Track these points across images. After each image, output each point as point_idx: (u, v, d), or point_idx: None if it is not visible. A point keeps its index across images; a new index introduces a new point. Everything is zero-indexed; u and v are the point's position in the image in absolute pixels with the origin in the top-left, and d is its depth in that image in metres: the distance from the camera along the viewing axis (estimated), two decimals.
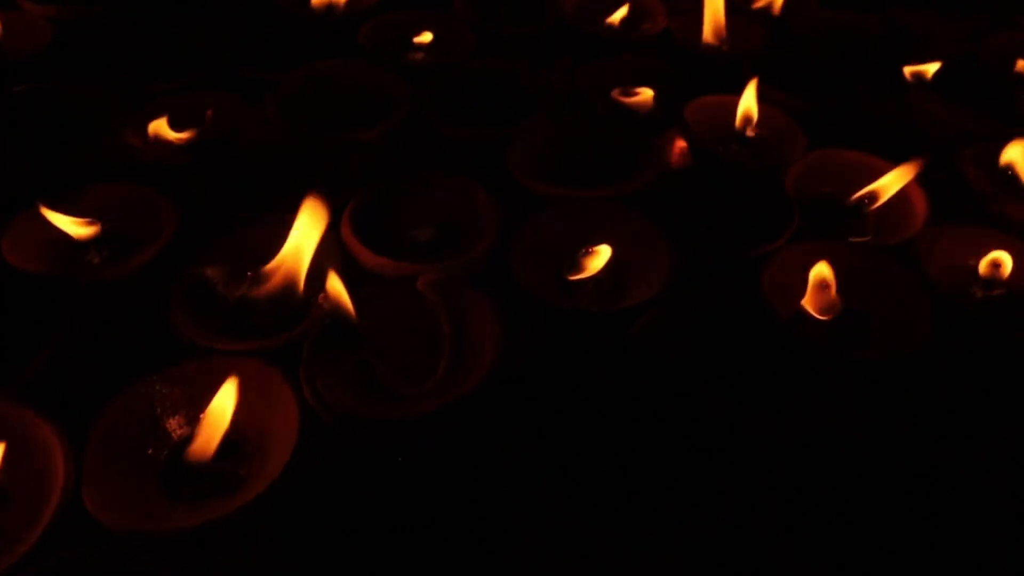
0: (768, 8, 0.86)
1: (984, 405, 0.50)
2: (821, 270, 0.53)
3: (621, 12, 0.81)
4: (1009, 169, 0.61)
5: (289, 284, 0.50)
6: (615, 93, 0.69)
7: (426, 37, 0.77)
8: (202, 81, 0.70)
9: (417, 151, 0.68)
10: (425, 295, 0.49)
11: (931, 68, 0.72)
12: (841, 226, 0.61)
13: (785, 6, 0.85)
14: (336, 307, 0.47)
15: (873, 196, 0.59)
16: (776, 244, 0.55)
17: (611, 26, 0.81)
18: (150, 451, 0.44)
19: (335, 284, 0.47)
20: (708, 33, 0.79)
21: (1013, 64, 0.75)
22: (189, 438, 0.43)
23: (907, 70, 0.74)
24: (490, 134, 0.64)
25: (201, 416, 0.43)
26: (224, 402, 0.42)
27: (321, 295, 0.47)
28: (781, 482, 0.46)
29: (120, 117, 0.65)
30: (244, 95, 0.68)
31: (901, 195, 0.62)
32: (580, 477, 0.45)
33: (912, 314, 0.52)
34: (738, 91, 0.71)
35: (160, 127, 0.63)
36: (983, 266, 0.55)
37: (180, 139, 0.63)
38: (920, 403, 0.50)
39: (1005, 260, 0.55)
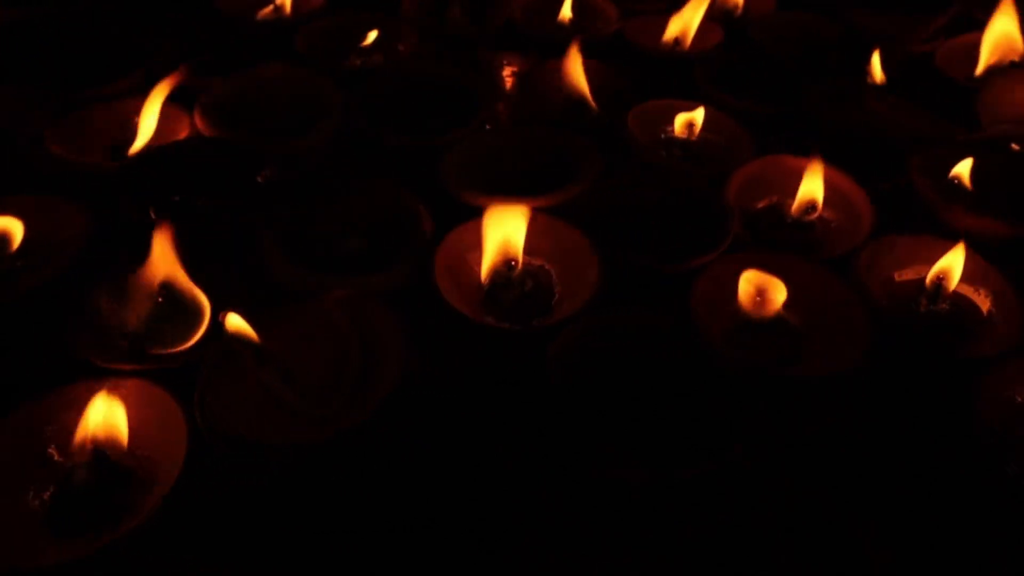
0: (731, 9, 0.84)
1: (920, 425, 0.48)
2: (750, 277, 0.50)
3: (566, 9, 0.79)
4: (956, 179, 0.59)
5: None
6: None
7: (370, 37, 0.75)
8: (134, 87, 0.68)
9: (354, 159, 0.66)
10: (332, 313, 0.47)
11: (879, 71, 0.70)
12: (785, 237, 0.59)
13: (744, 8, 0.83)
14: (238, 326, 0.45)
15: (813, 205, 0.57)
16: (709, 256, 0.52)
17: (561, 26, 0.79)
18: (32, 482, 0.42)
19: (232, 316, 0.45)
20: (671, 33, 0.77)
21: (973, 66, 0.73)
22: (74, 467, 0.41)
23: (866, 72, 0.71)
24: (425, 141, 0.62)
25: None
26: (97, 420, 0.40)
27: (222, 314, 0.45)
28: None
29: (45, 124, 0.63)
30: (179, 102, 0.67)
31: (848, 204, 0.60)
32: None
33: (850, 330, 0.50)
34: (689, 94, 0.70)
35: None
36: (928, 279, 0.53)
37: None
38: (852, 422, 0.48)
39: (951, 272, 0.52)
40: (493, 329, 0.48)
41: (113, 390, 0.42)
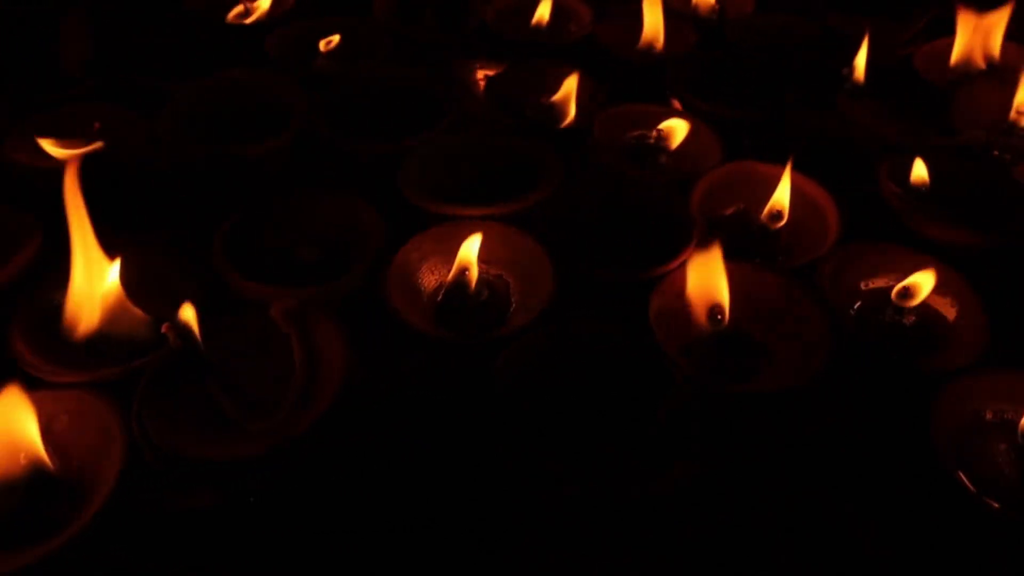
0: (708, 11, 0.82)
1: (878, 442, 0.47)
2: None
3: (543, 11, 0.78)
4: (921, 186, 0.57)
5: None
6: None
7: (334, 38, 0.74)
8: (94, 91, 0.67)
9: (316, 165, 0.65)
10: (279, 322, 0.46)
11: (861, 74, 0.69)
12: (751, 246, 0.57)
13: (721, 10, 0.82)
14: (183, 336, 0.44)
15: (779, 213, 0.56)
16: (668, 266, 0.51)
17: (536, 29, 0.78)
18: None
19: (186, 312, 0.44)
20: (645, 37, 0.76)
21: (946, 71, 0.72)
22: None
23: (841, 75, 0.70)
24: (384, 148, 0.61)
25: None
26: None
27: (166, 324, 0.44)
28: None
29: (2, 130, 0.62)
30: (142, 107, 0.66)
31: (816, 211, 0.59)
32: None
33: (812, 342, 0.49)
34: (659, 99, 0.68)
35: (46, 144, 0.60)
36: (893, 292, 0.52)
37: (64, 155, 0.60)
38: (809, 436, 0.47)
39: (918, 286, 0.51)
40: (441, 341, 0.47)
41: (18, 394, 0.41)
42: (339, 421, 0.43)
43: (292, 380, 0.44)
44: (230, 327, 0.47)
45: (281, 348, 0.46)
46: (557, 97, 0.67)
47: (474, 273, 0.50)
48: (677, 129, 0.61)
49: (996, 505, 0.41)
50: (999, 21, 0.71)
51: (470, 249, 0.49)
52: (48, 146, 0.60)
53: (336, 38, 0.74)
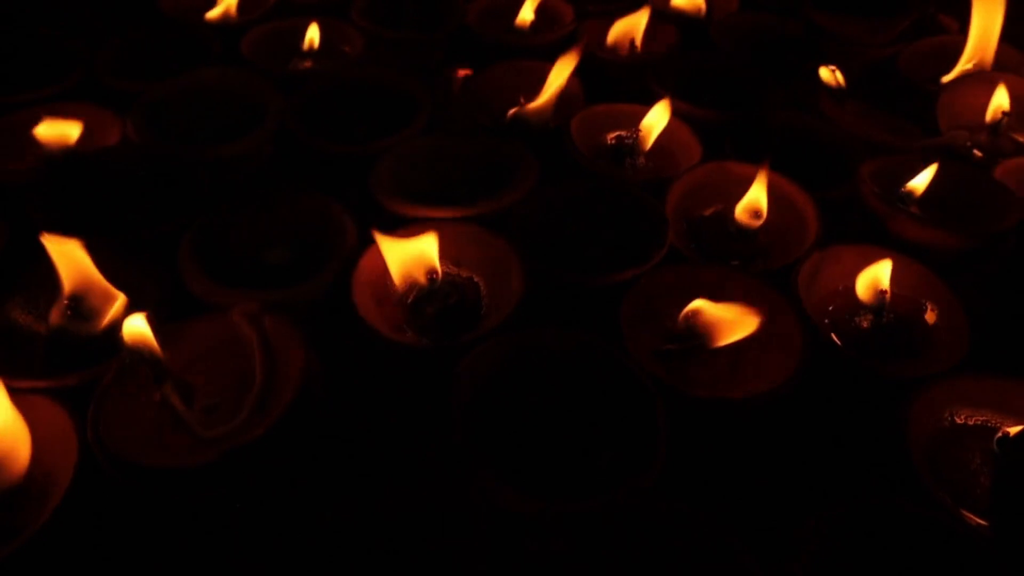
0: (693, 10, 0.81)
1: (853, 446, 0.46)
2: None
3: (526, 12, 0.77)
4: (900, 187, 0.56)
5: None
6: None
7: (312, 37, 0.73)
8: (68, 92, 0.66)
9: (290, 165, 0.64)
10: (239, 327, 0.45)
11: (843, 75, 0.68)
12: (728, 247, 0.56)
13: (707, 9, 0.81)
14: (138, 341, 0.43)
15: (757, 214, 0.55)
16: (639, 269, 0.50)
17: (519, 30, 0.77)
18: None
19: (141, 320, 0.43)
20: (616, 38, 0.75)
21: (937, 69, 0.71)
22: None
23: (823, 75, 0.69)
24: (359, 149, 0.60)
25: None
26: None
27: (123, 329, 0.44)
28: None
29: None
30: (115, 108, 0.65)
31: (795, 213, 0.58)
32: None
33: (786, 347, 0.48)
34: (640, 99, 0.67)
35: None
36: (866, 293, 0.51)
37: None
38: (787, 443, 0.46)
39: (878, 282, 0.50)
40: (402, 346, 0.46)
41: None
42: (299, 427, 0.42)
43: (251, 387, 0.44)
44: (190, 331, 0.46)
45: (242, 354, 0.45)
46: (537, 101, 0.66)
47: (439, 275, 0.49)
48: (655, 124, 0.60)
49: (971, 518, 0.40)
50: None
51: (428, 251, 0.48)
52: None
53: (316, 38, 0.74)
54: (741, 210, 0.56)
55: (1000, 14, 0.69)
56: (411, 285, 0.49)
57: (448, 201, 0.56)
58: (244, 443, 0.39)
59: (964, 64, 0.71)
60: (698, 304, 0.47)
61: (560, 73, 0.63)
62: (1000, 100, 0.64)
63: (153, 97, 0.64)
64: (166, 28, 0.74)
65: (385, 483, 0.44)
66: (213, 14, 0.76)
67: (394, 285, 0.51)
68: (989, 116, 0.64)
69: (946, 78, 0.71)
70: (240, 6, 0.77)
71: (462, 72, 0.76)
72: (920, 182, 0.56)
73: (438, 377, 0.45)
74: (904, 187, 0.57)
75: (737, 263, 0.55)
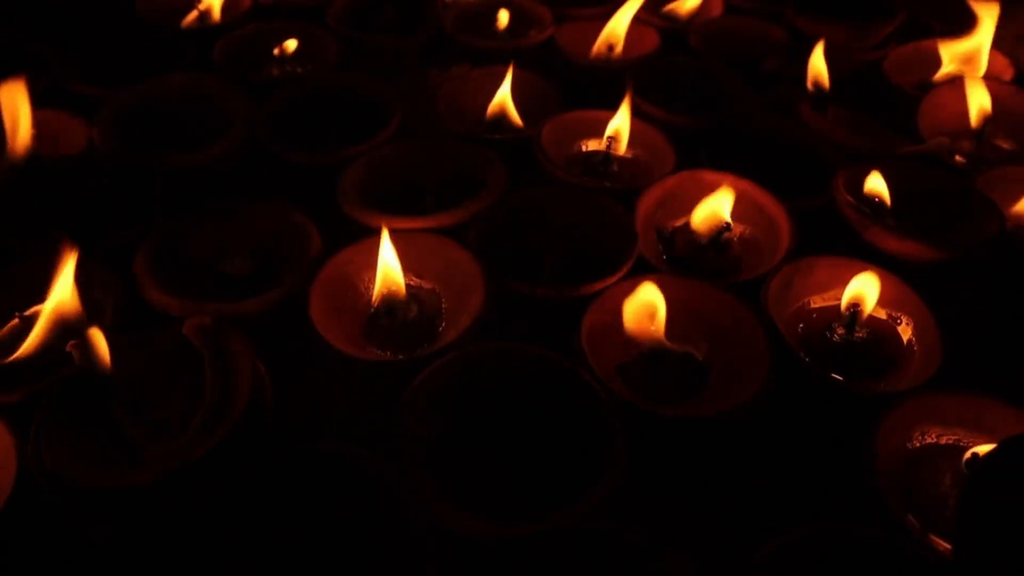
0: (676, 15, 0.80)
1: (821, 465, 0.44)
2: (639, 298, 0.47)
3: (503, 18, 0.76)
4: (875, 197, 0.55)
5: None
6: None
7: (290, 45, 0.72)
8: (35, 97, 0.65)
9: (258, 173, 0.63)
10: (192, 340, 0.44)
11: (825, 81, 0.66)
12: (700, 258, 0.55)
13: (689, 14, 0.79)
14: (88, 356, 0.42)
15: (726, 225, 0.54)
16: (605, 282, 0.49)
17: (495, 35, 0.76)
18: None
19: (94, 333, 0.42)
20: (600, 43, 0.74)
21: (922, 74, 0.69)
22: None
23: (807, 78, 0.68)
24: (326, 157, 0.59)
25: None
26: None
27: (71, 342, 0.43)
28: None
29: None
30: (83, 114, 0.64)
31: (769, 223, 0.57)
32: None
33: (755, 362, 0.46)
34: (615, 105, 0.66)
35: None
36: (842, 306, 0.49)
37: None
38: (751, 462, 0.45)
39: (864, 299, 0.49)
40: (355, 360, 0.45)
41: None
42: (247, 444, 0.41)
43: (202, 402, 0.43)
44: (141, 345, 0.45)
45: (195, 368, 0.44)
46: (509, 107, 0.65)
47: (401, 288, 0.48)
48: (622, 128, 0.59)
49: (938, 543, 0.38)
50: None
51: (391, 264, 0.47)
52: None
53: (293, 44, 0.73)
54: (698, 221, 0.54)
55: (994, 23, 0.68)
56: (373, 297, 0.48)
57: (418, 210, 0.56)
58: (185, 462, 0.38)
59: (948, 67, 0.70)
60: (661, 317, 0.46)
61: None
62: (982, 103, 0.63)
63: (121, 103, 0.64)
64: (139, 33, 0.73)
65: (336, 501, 0.43)
66: (190, 20, 0.76)
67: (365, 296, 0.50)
68: (974, 122, 0.62)
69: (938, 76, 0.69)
70: (218, 11, 0.76)
71: (436, 78, 0.75)
72: (876, 187, 0.55)
73: (395, 391, 0.44)
74: (866, 191, 0.55)
75: (703, 276, 0.54)
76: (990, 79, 0.66)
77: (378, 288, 0.48)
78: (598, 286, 0.49)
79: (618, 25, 0.70)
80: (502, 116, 0.64)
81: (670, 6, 0.80)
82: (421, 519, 0.38)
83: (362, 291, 0.52)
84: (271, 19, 0.76)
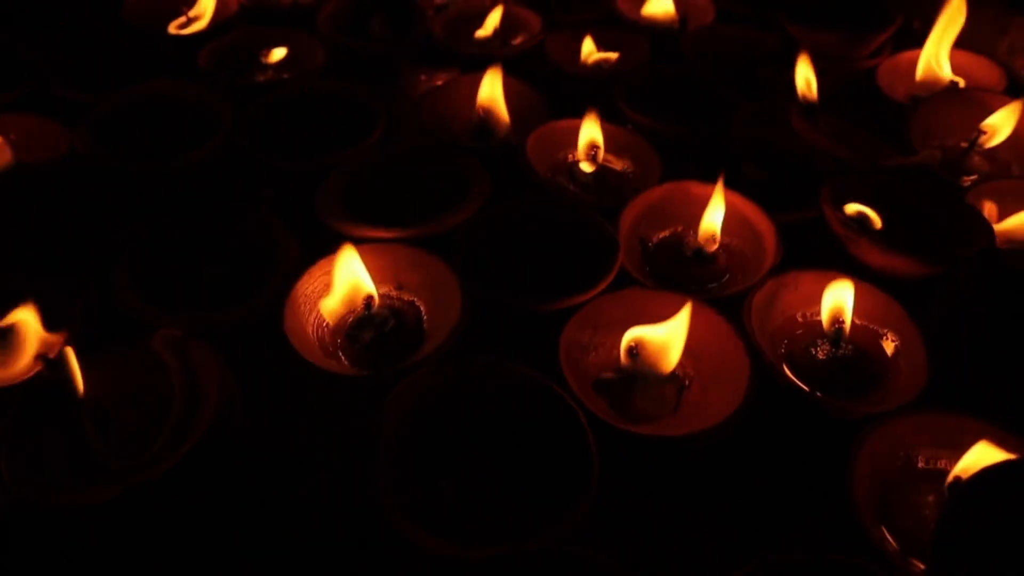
0: (668, 21, 0.79)
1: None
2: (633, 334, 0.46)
3: (491, 23, 0.75)
4: (861, 210, 0.54)
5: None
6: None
7: (278, 54, 0.72)
8: (18, 101, 0.65)
9: (241, 180, 0.62)
10: (161, 353, 0.43)
11: (814, 91, 0.65)
12: (685, 271, 0.54)
13: (682, 19, 0.78)
14: (58, 370, 0.42)
15: (712, 237, 0.53)
16: (587, 294, 0.48)
17: (484, 41, 0.75)
18: None
19: (68, 352, 0.42)
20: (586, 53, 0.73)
21: (914, 84, 0.68)
22: None
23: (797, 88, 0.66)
24: (308, 165, 0.59)
25: None
26: None
27: (42, 359, 0.42)
28: None
29: None
30: (66, 119, 0.63)
31: (755, 236, 0.56)
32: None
33: (734, 381, 0.45)
34: (608, 114, 0.65)
35: None
36: (824, 322, 0.48)
37: None
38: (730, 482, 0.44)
39: (842, 311, 0.47)
40: (329, 374, 0.44)
41: None
42: (214, 460, 0.40)
43: (170, 416, 0.42)
44: (115, 355, 0.44)
45: (164, 381, 0.44)
46: (502, 112, 0.64)
47: (376, 300, 0.48)
48: (598, 141, 0.58)
49: (917, 567, 0.37)
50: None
51: (362, 276, 0.47)
52: None
53: (282, 52, 0.72)
54: (702, 234, 0.54)
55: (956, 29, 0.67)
56: (349, 310, 0.47)
57: (400, 220, 0.55)
58: (148, 479, 0.37)
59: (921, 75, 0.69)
60: (637, 333, 0.45)
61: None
62: (994, 122, 0.61)
63: (104, 109, 0.63)
64: (125, 37, 0.73)
65: (307, 519, 0.42)
66: (177, 25, 0.75)
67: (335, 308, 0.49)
68: (983, 137, 0.61)
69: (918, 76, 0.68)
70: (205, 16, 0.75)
71: (425, 84, 0.74)
72: (864, 200, 0.54)
73: (369, 405, 0.43)
74: (857, 208, 0.54)
75: (687, 289, 0.53)
76: (983, 90, 0.65)
77: (340, 299, 0.47)
78: (576, 300, 0.48)
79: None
80: (489, 115, 0.63)
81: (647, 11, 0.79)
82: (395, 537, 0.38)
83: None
84: (257, 24, 0.75)
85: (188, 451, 0.38)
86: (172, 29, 0.75)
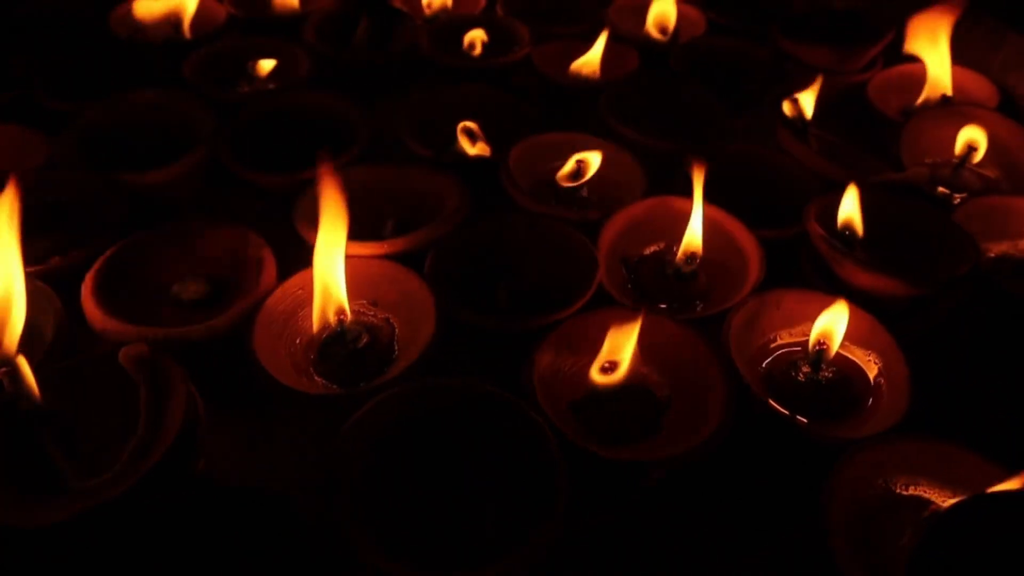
0: (659, 33, 0.79)
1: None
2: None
3: (476, 35, 0.74)
4: (847, 229, 0.53)
5: None
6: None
7: (266, 66, 0.71)
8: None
9: (219, 194, 0.62)
10: (128, 369, 0.43)
11: (804, 106, 0.64)
12: (666, 289, 0.53)
13: (674, 31, 0.78)
14: (17, 383, 0.41)
15: (692, 256, 0.52)
16: (563, 312, 0.47)
17: (469, 52, 0.75)
18: None
19: (19, 361, 0.41)
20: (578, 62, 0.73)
21: (906, 99, 0.68)
22: None
23: (784, 108, 0.66)
24: (285, 179, 0.58)
25: None
26: None
27: (1, 370, 0.41)
28: None
29: None
30: (48, 129, 0.63)
31: (739, 253, 0.55)
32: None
33: (711, 403, 0.45)
34: (595, 127, 0.65)
35: None
36: (810, 344, 0.47)
37: None
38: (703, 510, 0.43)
39: (832, 335, 0.47)
40: (295, 392, 0.43)
41: None
42: (176, 479, 0.39)
43: (134, 434, 0.41)
44: (78, 372, 0.44)
45: (130, 398, 0.43)
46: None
47: (348, 315, 0.47)
48: (591, 161, 0.58)
49: None
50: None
51: (337, 287, 0.46)
52: None
53: (270, 64, 0.72)
54: (682, 253, 0.53)
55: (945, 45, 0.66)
56: (323, 326, 0.47)
57: (378, 235, 0.54)
58: (106, 499, 0.36)
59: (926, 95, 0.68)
60: (610, 349, 0.44)
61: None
62: (970, 135, 0.61)
63: (86, 119, 0.63)
64: (110, 47, 0.73)
65: (272, 541, 0.41)
66: (163, 35, 0.75)
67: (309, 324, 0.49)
68: (958, 151, 0.60)
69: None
70: (191, 27, 0.75)
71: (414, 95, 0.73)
72: (850, 218, 0.53)
73: (338, 425, 0.42)
74: (840, 223, 0.53)
75: (666, 308, 0.52)
76: (976, 106, 0.64)
77: (317, 309, 0.47)
78: (551, 319, 0.47)
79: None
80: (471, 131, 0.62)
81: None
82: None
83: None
84: (244, 35, 0.75)
85: (148, 471, 0.37)
86: (158, 39, 0.75)
